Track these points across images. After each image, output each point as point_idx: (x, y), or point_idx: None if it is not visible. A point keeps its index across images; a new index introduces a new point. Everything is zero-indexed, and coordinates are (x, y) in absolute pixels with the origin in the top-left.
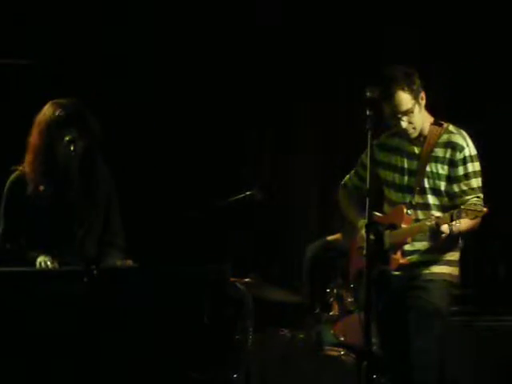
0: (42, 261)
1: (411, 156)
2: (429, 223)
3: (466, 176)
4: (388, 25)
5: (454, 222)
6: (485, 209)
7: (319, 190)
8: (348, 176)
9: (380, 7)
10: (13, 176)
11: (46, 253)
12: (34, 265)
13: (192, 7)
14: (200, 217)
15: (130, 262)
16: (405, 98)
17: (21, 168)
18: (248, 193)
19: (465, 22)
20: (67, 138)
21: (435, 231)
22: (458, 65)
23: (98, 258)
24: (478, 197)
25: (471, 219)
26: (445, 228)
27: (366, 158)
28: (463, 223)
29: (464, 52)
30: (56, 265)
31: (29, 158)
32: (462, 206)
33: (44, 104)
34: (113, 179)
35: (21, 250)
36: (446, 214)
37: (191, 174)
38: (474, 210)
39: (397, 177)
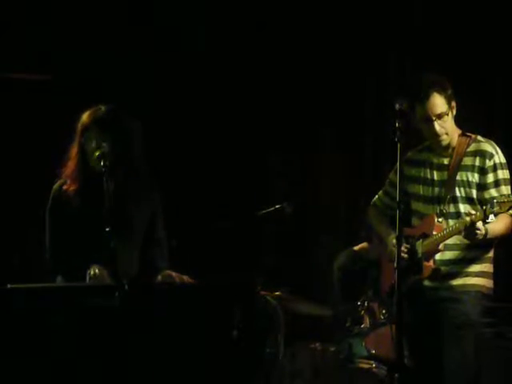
0: (93, 270)
1: (440, 167)
2: (463, 221)
3: (497, 183)
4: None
5: (490, 218)
6: None
7: (348, 201)
8: (377, 196)
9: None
10: (56, 185)
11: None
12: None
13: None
14: (230, 228)
15: (186, 278)
16: (440, 101)
17: (63, 175)
18: (278, 206)
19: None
20: (97, 154)
21: (470, 229)
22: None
23: (141, 271)
24: None
25: (505, 211)
26: (480, 225)
27: (394, 177)
28: (498, 225)
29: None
30: (106, 275)
31: (68, 167)
32: (495, 200)
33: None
34: (157, 191)
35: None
36: (479, 212)
37: (222, 185)
38: (508, 201)
39: (426, 189)
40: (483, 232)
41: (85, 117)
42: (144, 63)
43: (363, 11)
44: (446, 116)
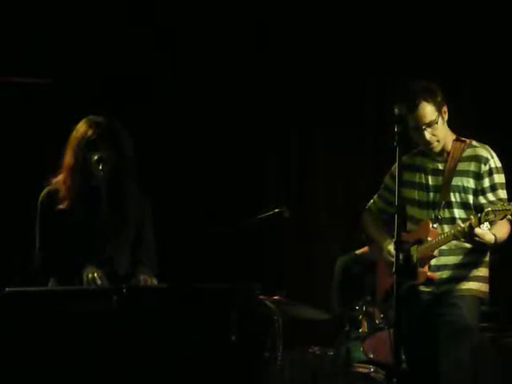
0: (90, 273)
1: (435, 172)
2: (460, 228)
3: (493, 187)
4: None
5: (485, 225)
6: None
7: (345, 203)
8: (372, 201)
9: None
10: (44, 192)
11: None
12: (77, 278)
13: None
14: (228, 233)
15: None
16: (429, 110)
17: (53, 183)
18: (276, 210)
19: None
20: (95, 158)
21: (469, 234)
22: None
23: (127, 275)
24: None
25: (500, 219)
26: (484, 231)
27: (390, 181)
28: (502, 230)
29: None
30: (103, 277)
31: (62, 176)
32: (489, 208)
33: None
34: (147, 197)
35: (60, 266)
36: (474, 219)
37: (218, 190)
38: (503, 210)
39: (421, 194)
40: (492, 237)
41: (87, 129)
42: (144, 65)
43: (363, 11)
44: (435, 124)
